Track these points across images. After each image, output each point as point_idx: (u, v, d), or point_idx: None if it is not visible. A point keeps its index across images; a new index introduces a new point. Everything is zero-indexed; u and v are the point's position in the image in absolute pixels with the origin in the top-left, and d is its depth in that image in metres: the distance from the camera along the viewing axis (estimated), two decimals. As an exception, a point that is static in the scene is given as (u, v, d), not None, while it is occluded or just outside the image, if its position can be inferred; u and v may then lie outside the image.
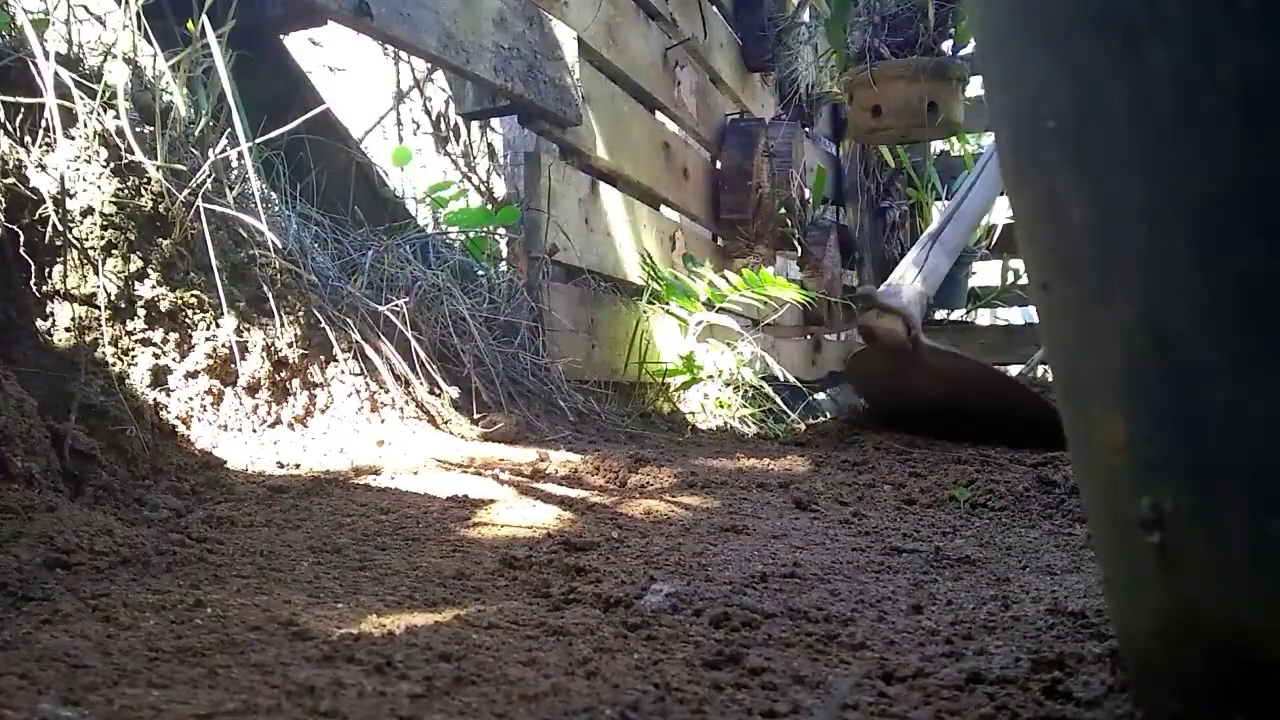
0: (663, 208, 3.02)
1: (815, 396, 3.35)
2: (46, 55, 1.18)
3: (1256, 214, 0.40)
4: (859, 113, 3.31)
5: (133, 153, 1.27)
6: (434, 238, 2.15)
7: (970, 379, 2.36)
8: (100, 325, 1.22)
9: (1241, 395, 0.41)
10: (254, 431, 1.35)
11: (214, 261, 1.34)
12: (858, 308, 2.42)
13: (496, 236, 2.26)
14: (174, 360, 1.29)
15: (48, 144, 1.22)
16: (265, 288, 1.44)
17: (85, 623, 0.65)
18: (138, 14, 1.34)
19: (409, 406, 1.60)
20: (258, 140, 1.48)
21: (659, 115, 3.01)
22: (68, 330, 1.20)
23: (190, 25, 1.39)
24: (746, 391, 2.63)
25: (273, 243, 1.45)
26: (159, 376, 1.27)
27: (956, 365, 2.38)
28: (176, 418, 1.26)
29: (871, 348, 2.39)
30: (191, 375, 1.30)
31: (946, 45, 3.25)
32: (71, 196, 1.23)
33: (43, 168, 1.21)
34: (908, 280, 2.46)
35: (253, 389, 1.37)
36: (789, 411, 2.67)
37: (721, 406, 2.58)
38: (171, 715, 0.49)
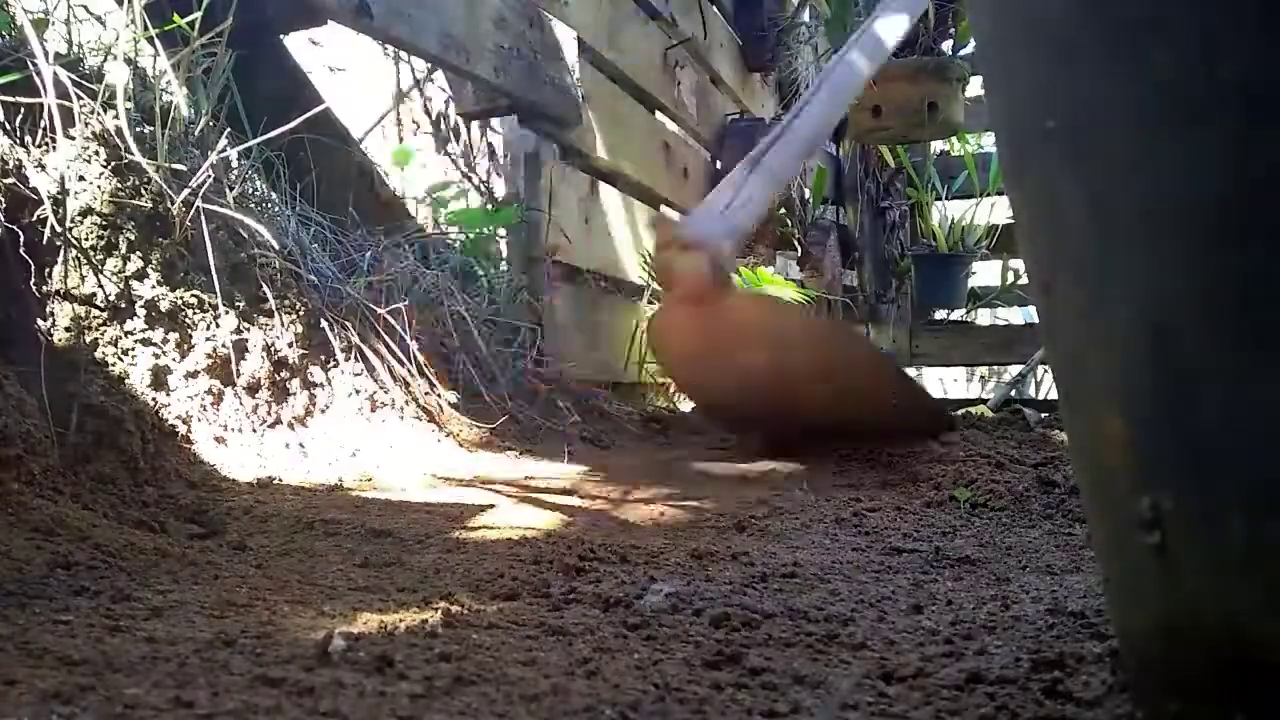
0: (663, 208, 3.02)
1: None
2: (47, 55, 1.18)
3: (1256, 214, 0.40)
4: (859, 113, 3.31)
5: (132, 153, 1.27)
6: (434, 238, 2.15)
7: (805, 342, 1.72)
8: (100, 325, 1.22)
9: (1241, 395, 0.41)
10: (254, 431, 1.35)
11: (213, 261, 1.34)
12: (652, 247, 1.75)
13: (497, 236, 2.26)
14: (174, 360, 1.29)
15: (48, 144, 1.22)
16: (265, 288, 1.44)
17: (85, 623, 0.65)
18: (140, 14, 1.34)
19: (409, 407, 1.60)
20: (258, 140, 1.49)
21: (659, 115, 3.01)
22: (68, 330, 1.20)
23: (186, 24, 1.38)
24: (746, 391, 2.63)
25: (272, 243, 1.45)
26: (159, 376, 1.26)
27: (782, 321, 1.76)
28: (176, 418, 1.26)
29: (670, 300, 1.77)
30: (191, 375, 1.30)
31: (946, 45, 3.25)
32: (72, 197, 1.23)
33: (42, 168, 1.21)
34: (718, 207, 1.82)
35: (253, 389, 1.37)
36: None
37: (721, 406, 2.58)
38: (171, 716, 0.49)
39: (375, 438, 1.49)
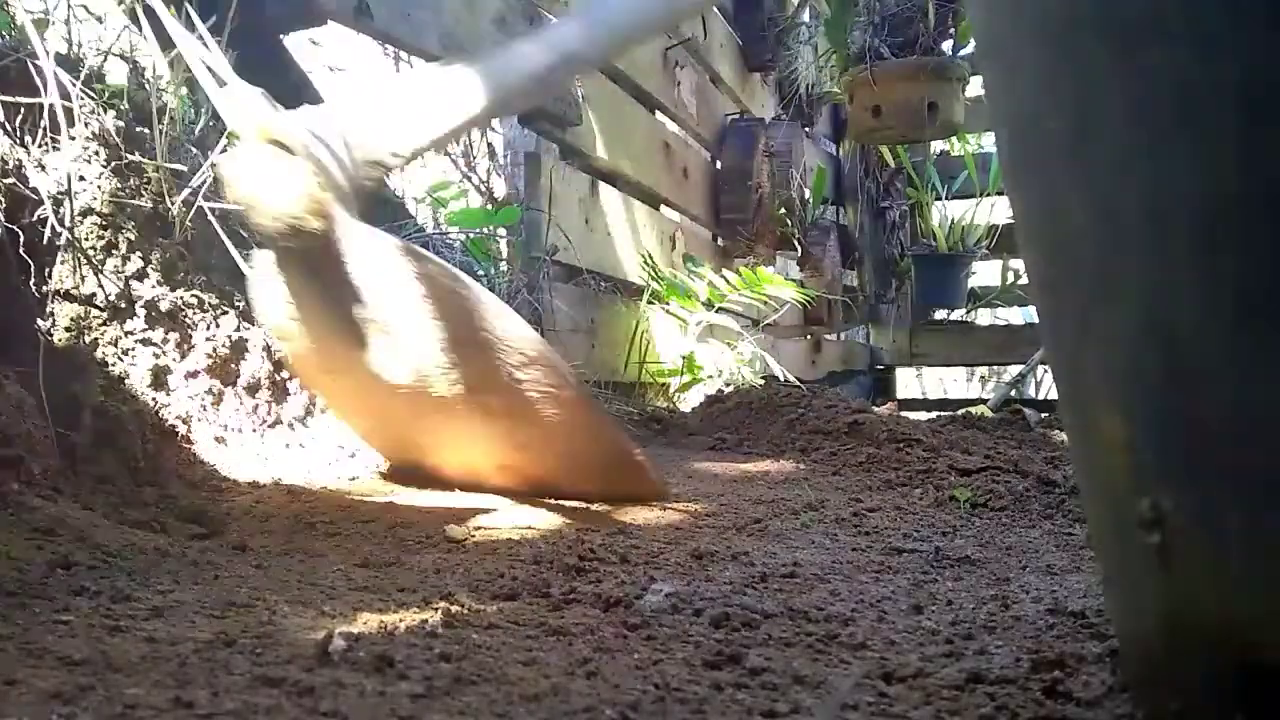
0: (663, 208, 3.02)
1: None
2: (47, 55, 1.18)
3: (1256, 214, 0.40)
4: (859, 113, 3.32)
5: (132, 153, 1.27)
6: (434, 238, 2.15)
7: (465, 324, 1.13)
8: (100, 325, 1.22)
9: (1241, 395, 0.41)
10: (254, 431, 1.35)
11: (212, 261, 1.34)
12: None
13: (497, 236, 2.26)
14: (174, 360, 1.29)
15: (48, 144, 1.22)
16: (265, 288, 1.44)
17: (85, 623, 0.65)
18: (141, 14, 1.34)
19: (409, 406, 1.59)
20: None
21: (659, 115, 3.01)
22: (68, 330, 1.20)
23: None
24: (746, 391, 2.63)
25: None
26: (159, 376, 1.26)
27: (405, 282, 1.10)
28: (176, 418, 1.26)
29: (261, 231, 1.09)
30: (191, 375, 1.30)
31: (946, 45, 3.26)
32: (72, 197, 1.23)
33: (42, 168, 1.21)
34: (372, 104, 1.24)
35: (253, 389, 1.37)
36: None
37: (721, 406, 2.58)
38: (171, 716, 0.49)
39: (375, 438, 1.48)
